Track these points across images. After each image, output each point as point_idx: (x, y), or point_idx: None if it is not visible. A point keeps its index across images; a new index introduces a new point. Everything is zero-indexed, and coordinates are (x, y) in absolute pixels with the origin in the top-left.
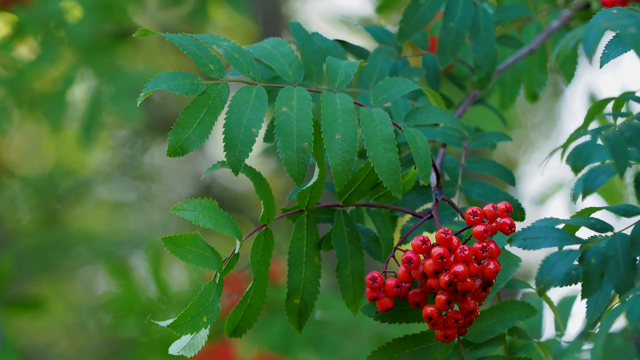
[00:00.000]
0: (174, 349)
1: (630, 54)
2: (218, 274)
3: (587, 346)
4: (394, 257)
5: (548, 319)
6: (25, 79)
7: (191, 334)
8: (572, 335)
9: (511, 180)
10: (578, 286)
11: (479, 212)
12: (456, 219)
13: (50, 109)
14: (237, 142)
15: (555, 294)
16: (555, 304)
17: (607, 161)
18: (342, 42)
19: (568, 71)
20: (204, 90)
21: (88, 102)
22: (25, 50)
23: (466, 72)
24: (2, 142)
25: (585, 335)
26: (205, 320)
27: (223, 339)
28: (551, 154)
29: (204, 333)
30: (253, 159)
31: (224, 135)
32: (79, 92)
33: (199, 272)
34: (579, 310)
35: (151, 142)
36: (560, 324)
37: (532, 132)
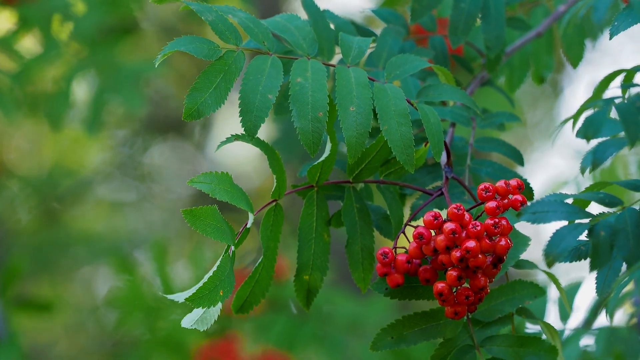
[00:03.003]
0: (187, 322)
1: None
2: (232, 248)
3: (588, 339)
4: (404, 233)
5: (551, 307)
6: (30, 73)
7: (207, 308)
8: (575, 324)
9: (520, 160)
10: (584, 273)
11: (491, 188)
12: (465, 197)
13: (53, 104)
14: (253, 107)
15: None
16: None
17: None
18: (351, 22)
19: (575, 55)
20: (221, 56)
21: (93, 93)
22: (29, 45)
23: (473, 54)
24: (2, 142)
25: (588, 324)
26: (221, 294)
27: (227, 335)
28: (562, 123)
29: (218, 307)
30: (257, 151)
31: (239, 101)
32: (82, 88)
33: (203, 269)
34: (581, 301)
35: (151, 142)
36: (567, 305)
37: (531, 131)
